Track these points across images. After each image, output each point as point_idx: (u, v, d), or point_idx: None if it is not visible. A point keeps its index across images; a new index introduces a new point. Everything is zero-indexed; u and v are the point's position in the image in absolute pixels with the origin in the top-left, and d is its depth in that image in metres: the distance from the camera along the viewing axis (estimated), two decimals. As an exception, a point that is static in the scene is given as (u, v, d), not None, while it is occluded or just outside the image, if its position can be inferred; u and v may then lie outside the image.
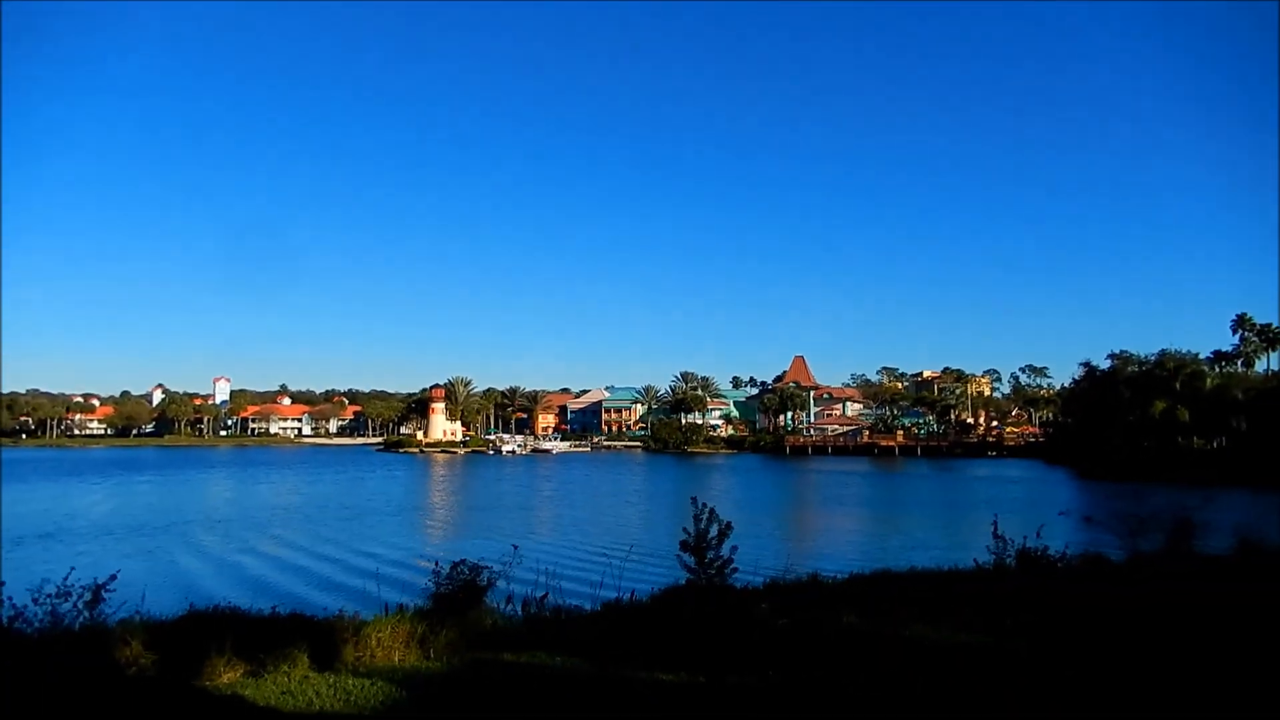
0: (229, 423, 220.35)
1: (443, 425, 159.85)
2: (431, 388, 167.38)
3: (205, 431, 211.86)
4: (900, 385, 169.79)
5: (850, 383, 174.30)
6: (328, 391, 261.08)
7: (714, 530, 12.82)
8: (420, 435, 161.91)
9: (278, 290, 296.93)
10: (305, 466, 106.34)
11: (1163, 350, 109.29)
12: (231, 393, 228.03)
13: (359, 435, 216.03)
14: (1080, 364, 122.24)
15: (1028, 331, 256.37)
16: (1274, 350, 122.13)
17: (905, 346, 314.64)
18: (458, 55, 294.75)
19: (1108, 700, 8.58)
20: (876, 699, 8.71)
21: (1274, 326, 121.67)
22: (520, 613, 12.09)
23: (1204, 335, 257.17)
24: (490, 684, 9.23)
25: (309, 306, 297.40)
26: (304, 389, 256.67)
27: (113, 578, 9.91)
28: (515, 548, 12.43)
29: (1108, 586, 14.18)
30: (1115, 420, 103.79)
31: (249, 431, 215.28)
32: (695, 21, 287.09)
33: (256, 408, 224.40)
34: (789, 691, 8.88)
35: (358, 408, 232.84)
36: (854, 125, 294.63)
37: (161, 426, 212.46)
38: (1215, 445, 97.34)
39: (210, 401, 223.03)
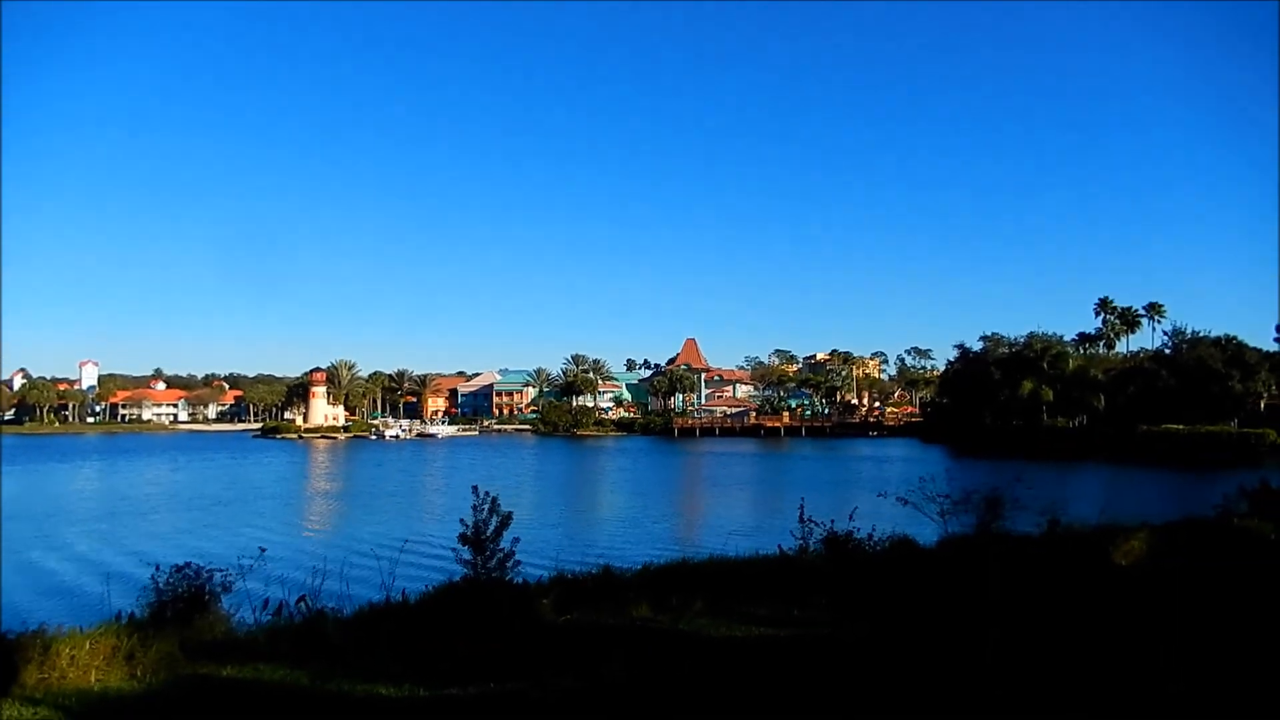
0: (97, 409, 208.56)
1: (324, 410, 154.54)
2: (312, 371, 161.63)
3: (71, 418, 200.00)
4: (793, 368, 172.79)
5: (745, 365, 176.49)
6: (208, 376, 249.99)
7: (493, 522, 12.00)
8: (300, 421, 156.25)
9: (152, 268, 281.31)
10: (167, 454, 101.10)
11: (1031, 333, 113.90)
12: (100, 377, 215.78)
13: (240, 421, 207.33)
14: (955, 346, 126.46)
15: (920, 314, 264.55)
16: (1133, 332, 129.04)
17: (801, 330, 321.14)
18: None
19: (881, 692, 8.09)
20: (631, 703, 7.99)
21: (1133, 309, 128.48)
22: (270, 619, 11.02)
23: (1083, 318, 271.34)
24: (182, 707, 8.13)
25: (188, 285, 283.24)
26: (182, 373, 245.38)
27: None
28: (263, 550, 11.27)
29: (904, 571, 13.95)
30: (986, 400, 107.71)
31: (119, 418, 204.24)
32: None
33: (127, 393, 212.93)
34: (521, 701, 8.06)
35: (239, 393, 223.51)
36: (750, 107, 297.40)
37: (22, 413, 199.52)
38: (1076, 423, 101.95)
39: (76, 386, 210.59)
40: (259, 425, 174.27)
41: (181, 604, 9.90)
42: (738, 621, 11.59)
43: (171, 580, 9.99)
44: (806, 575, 13.27)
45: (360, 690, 8.33)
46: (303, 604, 11.13)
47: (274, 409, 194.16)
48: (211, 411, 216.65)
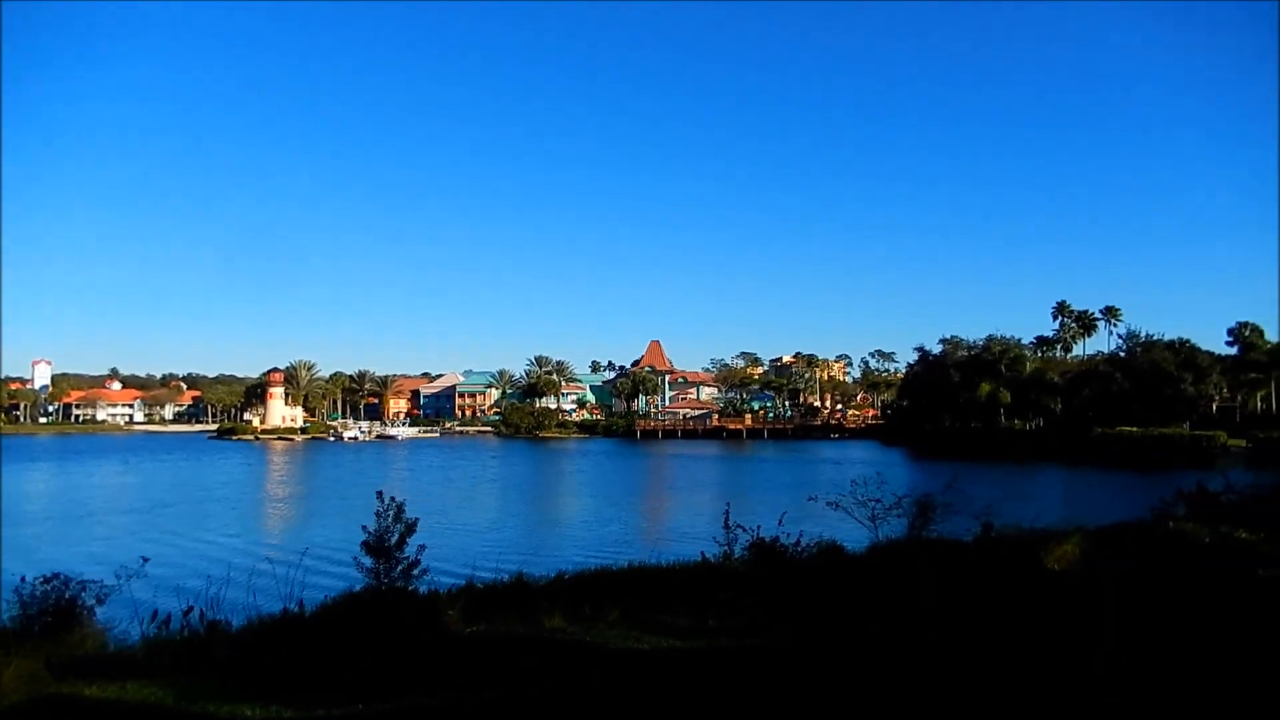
0: (49, 409, 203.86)
1: (281, 411, 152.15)
2: (270, 371, 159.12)
3: (23, 419, 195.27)
4: (758, 370, 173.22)
5: (710, 367, 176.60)
6: (166, 376, 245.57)
7: (397, 530, 11.51)
8: (257, 422, 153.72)
9: (110, 266, 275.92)
10: (118, 456, 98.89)
11: (989, 335, 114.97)
12: (53, 377, 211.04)
13: (198, 422, 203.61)
14: (915, 349, 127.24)
15: (885, 317, 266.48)
16: (1090, 335, 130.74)
17: (768, 333, 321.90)
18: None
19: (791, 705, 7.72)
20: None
21: (1090, 313, 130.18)
22: (155, 632, 10.44)
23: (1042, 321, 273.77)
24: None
25: (147, 283, 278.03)
26: (140, 373, 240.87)
27: None
28: (145, 560, 10.62)
29: (832, 578, 13.61)
30: (946, 402, 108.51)
31: (73, 418, 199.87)
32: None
33: (81, 393, 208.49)
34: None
35: (197, 393, 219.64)
36: (718, 109, 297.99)
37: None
38: (1033, 425, 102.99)
39: (28, 386, 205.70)
40: (216, 426, 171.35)
41: (49, 617, 9.28)
42: (651, 632, 11.17)
43: (37, 592, 9.38)
44: (729, 583, 12.89)
45: (225, 711, 7.80)
46: (190, 616, 10.57)
47: (233, 410, 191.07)
48: (168, 412, 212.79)
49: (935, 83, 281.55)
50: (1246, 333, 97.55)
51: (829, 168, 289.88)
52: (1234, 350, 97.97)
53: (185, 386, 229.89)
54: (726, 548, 13.72)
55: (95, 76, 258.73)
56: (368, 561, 11.34)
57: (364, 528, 11.42)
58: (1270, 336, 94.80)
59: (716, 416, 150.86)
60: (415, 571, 11.50)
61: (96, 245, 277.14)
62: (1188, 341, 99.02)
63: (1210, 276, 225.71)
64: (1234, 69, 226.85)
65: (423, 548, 11.53)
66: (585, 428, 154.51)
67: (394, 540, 11.41)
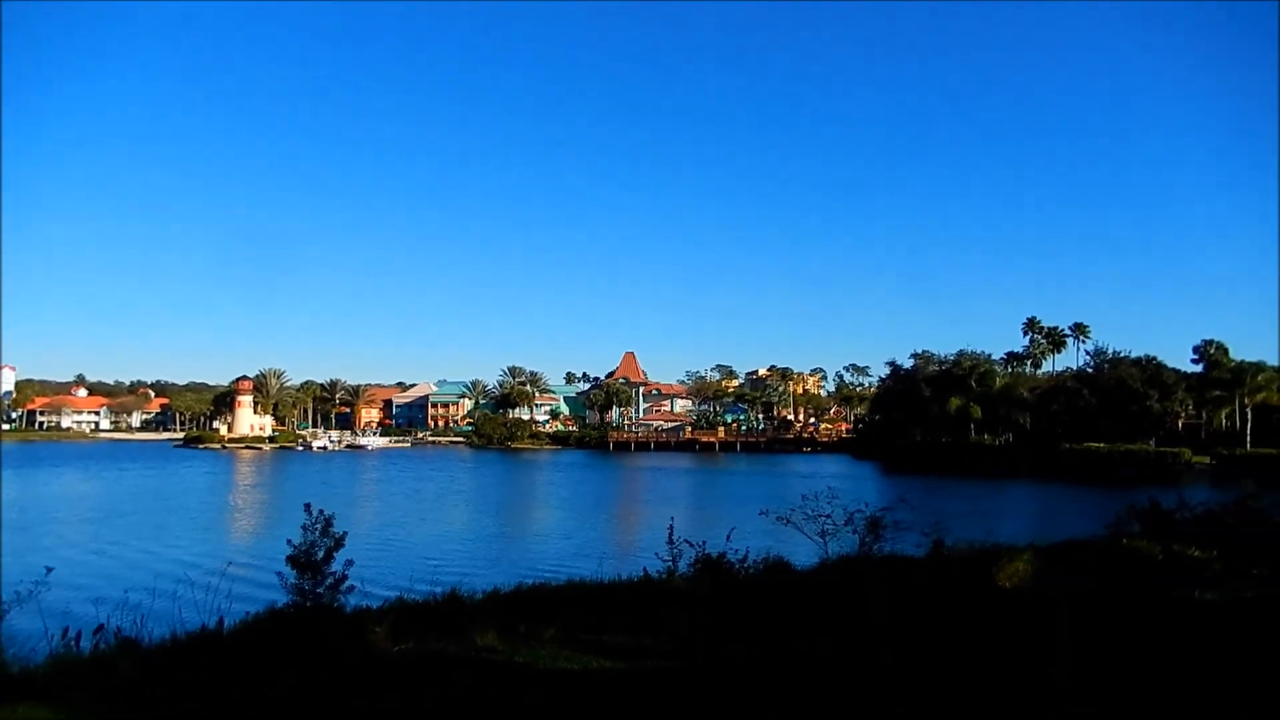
0: (13, 415, 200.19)
1: (250, 420, 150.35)
2: (238, 379, 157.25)
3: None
4: (734, 383, 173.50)
5: (686, 380, 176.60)
6: (134, 383, 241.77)
7: (325, 544, 11.13)
8: (225, 430, 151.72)
9: (79, 270, 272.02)
10: (80, 464, 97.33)
11: (960, 350, 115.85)
12: (17, 382, 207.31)
13: (166, 430, 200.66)
14: (887, 363, 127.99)
15: (862, 332, 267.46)
16: (1059, 352, 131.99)
17: (745, 346, 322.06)
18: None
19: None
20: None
21: (1059, 329, 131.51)
22: (63, 650, 9.99)
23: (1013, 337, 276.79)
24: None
25: (116, 289, 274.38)
26: (107, 380, 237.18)
27: None
28: (49, 570, 10.16)
29: (778, 595, 13.36)
30: (917, 417, 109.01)
31: (37, 425, 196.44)
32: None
33: (46, 399, 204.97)
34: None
35: (165, 400, 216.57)
36: (693, 116, 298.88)
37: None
38: (1002, 440, 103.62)
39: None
40: (183, 435, 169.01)
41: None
42: (585, 651, 10.86)
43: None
44: (671, 600, 12.61)
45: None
46: (100, 633, 10.15)
47: (202, 418, 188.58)
48: (135, 420, 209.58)
49: (913, 93, 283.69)
50: (1212, 350, 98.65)
51: (809, 180, 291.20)
52: (1200, 368, 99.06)
53: (153, 394, 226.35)
54: (671, 564, 13.40)
55: (66, 79, 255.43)
56: (292, 576, 10.96)
57: (289, 542, 11.04)
58: (1235, 355, 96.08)
59: (689, 429, 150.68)
60: (343, 587, 11.15)
61: (64, 249, 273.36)
62: (1154, 359, 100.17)
63: (1178, 295, 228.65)
64: (1210, 84, 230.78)
65: (350, 562, 11.16)
66: (558, 439, 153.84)
67: (320, 555, 11.05)
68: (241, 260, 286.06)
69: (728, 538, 14.00)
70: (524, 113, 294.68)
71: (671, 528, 13.50)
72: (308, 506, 11.31)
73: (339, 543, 11.15)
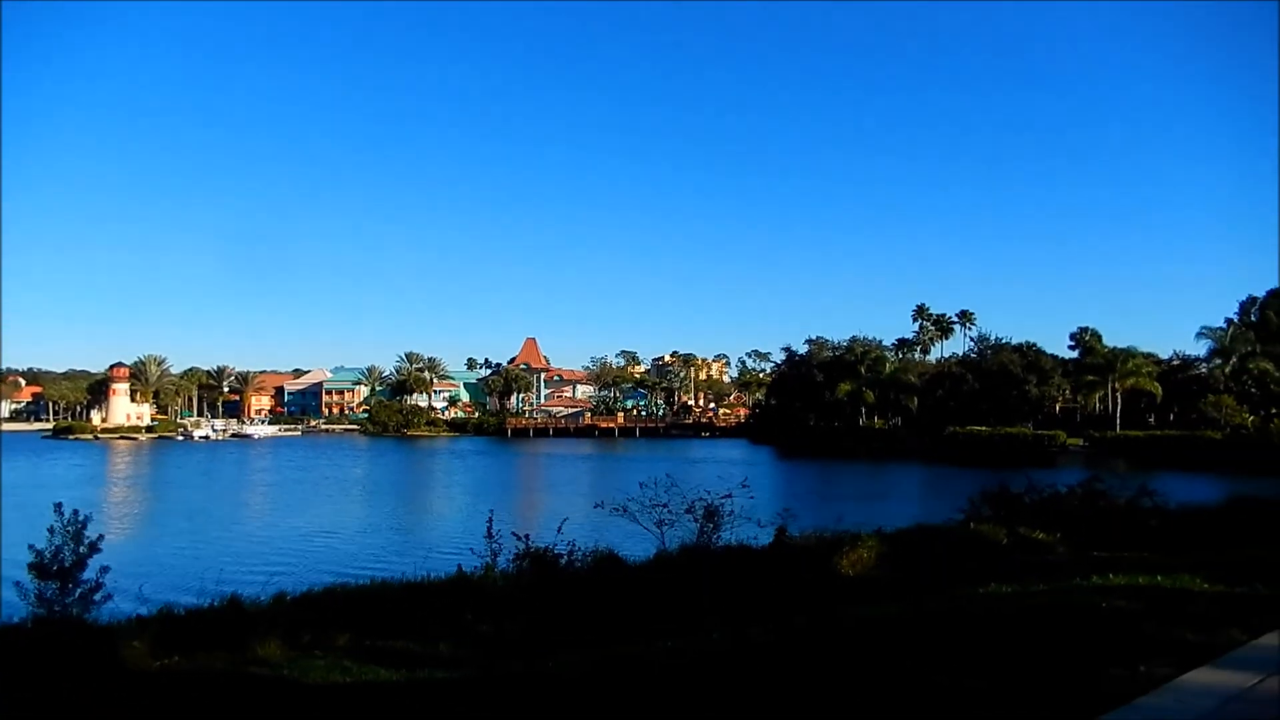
0: None
1: (126, 408, 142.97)
2: (114, 366, 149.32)
3: None
4: (639, 369, 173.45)
5: (590, 366, 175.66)
6: (5, 370, 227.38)
7: (74, 549, 9.91)
8: (99, 420, 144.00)
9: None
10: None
11: (853, 337, 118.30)
12: None
13: (38, 420, 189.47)
14: (783, 349, 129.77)
15: (767, 316, 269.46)
16: (948, 338, 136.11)
17: (649, 332, 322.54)
18: None
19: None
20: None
21: (947, 317, 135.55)
22: None
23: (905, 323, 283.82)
24: None
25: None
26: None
27: None
28: None
29: (609, 590, 12.68)
30: (811, 402, 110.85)
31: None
32: None
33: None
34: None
35: (38, 389, 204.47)
36: (597, 101, 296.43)
37: None
38: (891, 424, 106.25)
39: None
40: (53, 425, 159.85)
41: None
42: (371, 661, 9.92)
43: None
44: (483, 599, 11.78)
45: None
46: None
47: (77, 408, 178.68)
48: (4, 409, 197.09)
49: (820, 78, 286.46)
50: (1086, 337, 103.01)
51: (719, 164, 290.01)
52: (1075, 354, 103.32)
53: (24, 382, 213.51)
54: (490, 559, 12.53)
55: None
56: (33, 586, 9.74)
57: (31, 547, 9.80)
58: (1108, 342, 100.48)
59: (589, 415, 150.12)
60: (97, 596, 9.97)
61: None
62: (1034, 345, 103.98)
63: (1057, 281, 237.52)
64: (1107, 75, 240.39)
65: (106, 569, 10.00)
66: (456, 426, 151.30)
67: (69, 561, 9.84)
68: (125, 242, 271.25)
69: (559, 529, 13.23)
70: (411, 95, 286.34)
71: (490, 521, 12.62)
72: (58, 507, 10.09)
73: (93, 547, 9.98)
